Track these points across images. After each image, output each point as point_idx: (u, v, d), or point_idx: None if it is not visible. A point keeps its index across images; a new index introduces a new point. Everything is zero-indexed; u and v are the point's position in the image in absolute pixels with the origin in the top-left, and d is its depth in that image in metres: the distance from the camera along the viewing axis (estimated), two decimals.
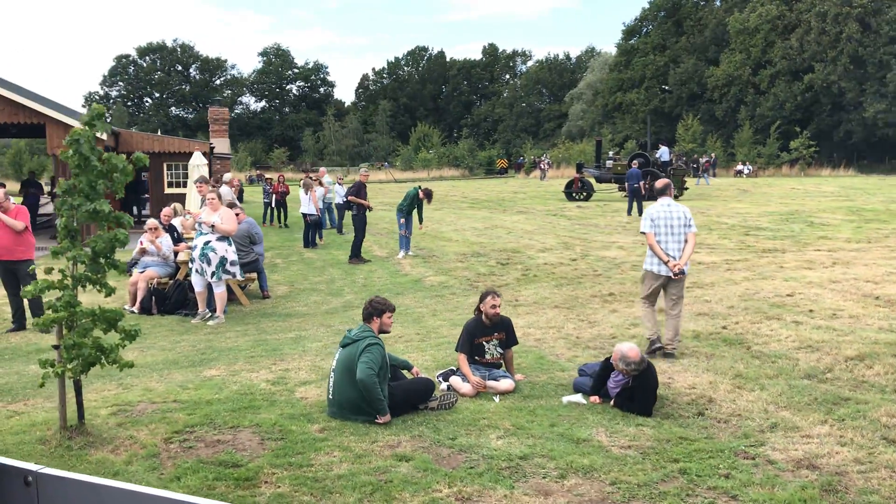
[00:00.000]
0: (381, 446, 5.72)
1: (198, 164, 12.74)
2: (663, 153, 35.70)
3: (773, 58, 64.89)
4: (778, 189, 38.41)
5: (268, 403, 6.74)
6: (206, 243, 10.37)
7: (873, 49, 58.78)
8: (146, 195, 30.95)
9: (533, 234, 19.72)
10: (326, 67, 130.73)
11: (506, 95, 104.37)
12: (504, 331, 7.49)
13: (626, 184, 25.47)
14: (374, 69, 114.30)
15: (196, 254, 10.47)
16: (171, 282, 11.65)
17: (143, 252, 11.96)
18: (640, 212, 25.01)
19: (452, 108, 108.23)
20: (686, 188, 33.87)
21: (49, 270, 5.91)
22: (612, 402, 6.63)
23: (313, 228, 18.57)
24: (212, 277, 10.42)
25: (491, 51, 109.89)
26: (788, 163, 58.70)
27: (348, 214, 22.31)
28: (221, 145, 27.06)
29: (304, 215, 18.50)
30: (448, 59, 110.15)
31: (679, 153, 57.07)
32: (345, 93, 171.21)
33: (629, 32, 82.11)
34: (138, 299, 11.54)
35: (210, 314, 10.78)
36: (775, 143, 60.00)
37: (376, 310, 6.57)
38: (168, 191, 23.58)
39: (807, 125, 60.87)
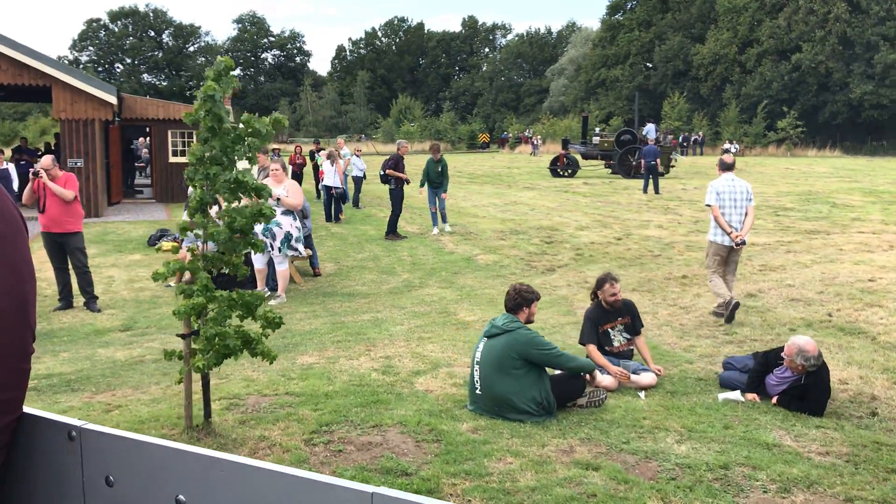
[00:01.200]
0: (555, 451, 5.12)
1: None
2: (650, 130, 35.37)
3: (760, 37, 64.60)
4: (772, 169, 38.21)
5: (394, 397, 6.10)
6: None
7: (861, 30, 58.76)
8: (140, 164, 29.87)
9: (560, 212, 19.13)
10: (303, 36, 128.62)
11: (485, 69, 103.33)
12: (629, 314, 6.92)
13: (644, 161, 24.92)
14: (350, 39, 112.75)
15: (259, 228, 9.71)
16: None
17: None
18: (657, 189, 24.53)
19: (431, 81, 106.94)
20: (673, 165, 33.57)
21: (176, 249, 5.19)
22: (773, 400, 6.08)
23: (337, 202, 17.77)
24: (279, 253, 9.70)
25: (471, 23, 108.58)
26: (775, 142, 58.71)
27: (366, 189, 21.61)
28: None
29: (328, 188, 17.69)
30: (426, 31, 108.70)
31: (666, 130, 56.96)
32: (320, 63, 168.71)
33: (614, 8, 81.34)
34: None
35: (269, 293, 10.05)
36: (762, 122, 59.94)
37: (525, 299, 5.94)
38: (173, 160, 22.59)
39: (792, 105, 60.81)
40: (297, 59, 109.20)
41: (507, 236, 15.20)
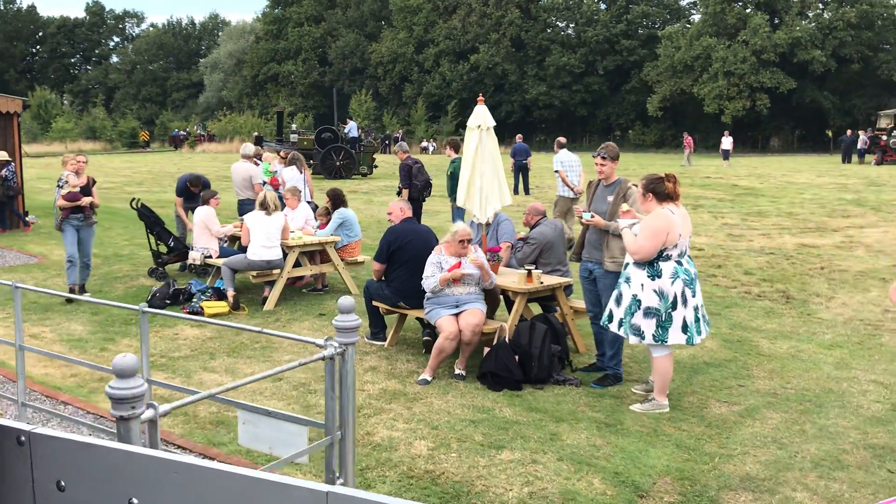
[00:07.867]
0: None
1: (487, 126, 7.51)
2: (352, 128, 34.32)
3: (436, 37, 66.32)
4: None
5: None
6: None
7: (534, 34, 63.17)
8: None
9: None
10: None
11: (117, 60, 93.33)
12: None
13: (513, 160, 23.23)
14: None
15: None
16: (520, 324, 6.93)
17: (459, 278, 6.88)
18: (527, 190, 23.08)
19: (52, 73, 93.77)
20: (375, 165, 32.61)
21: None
22: None
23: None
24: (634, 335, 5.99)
25: (96, 9, 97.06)
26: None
27: None
28: None
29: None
30: (44, 17, 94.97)
31: (367, 128, 55.82)
32: None
33: (276, 1, 78.09)
34: (462, 361, 6.71)
35: (648, 393, 6.37)
36: (452, 121, 61.57)
37: None
38: None
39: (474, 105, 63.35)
40: None
41: None
